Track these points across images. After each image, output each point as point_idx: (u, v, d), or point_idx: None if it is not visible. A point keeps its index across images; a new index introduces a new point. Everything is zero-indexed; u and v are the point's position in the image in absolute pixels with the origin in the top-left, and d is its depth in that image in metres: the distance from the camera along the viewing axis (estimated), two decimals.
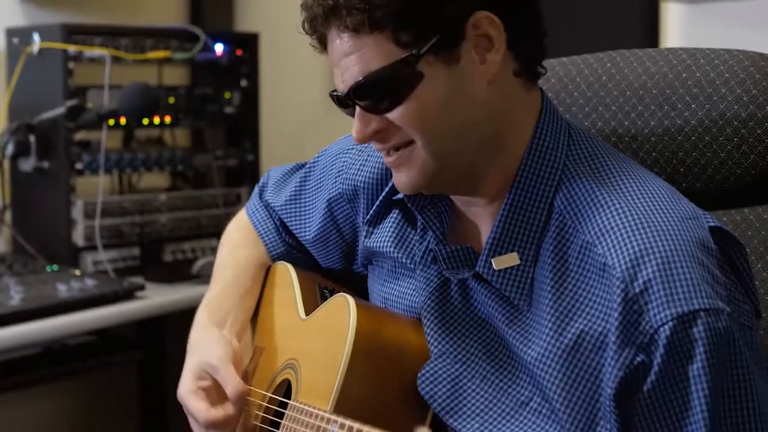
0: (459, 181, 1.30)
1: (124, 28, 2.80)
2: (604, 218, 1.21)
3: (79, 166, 2.64)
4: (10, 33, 2.74)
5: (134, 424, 3.14)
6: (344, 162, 1.53)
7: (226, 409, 1.41)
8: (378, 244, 1.45)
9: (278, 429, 1.39)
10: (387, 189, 1.45)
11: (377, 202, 1.46)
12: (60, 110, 2.58)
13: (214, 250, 2.84)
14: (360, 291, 1.51)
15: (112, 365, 2.96)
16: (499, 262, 1.27)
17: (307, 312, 1.46)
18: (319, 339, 1.40)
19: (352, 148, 1.53)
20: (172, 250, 2.85)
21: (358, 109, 1.25)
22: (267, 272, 1.62)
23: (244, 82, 3.02)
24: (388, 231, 1.44)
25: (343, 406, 1.26)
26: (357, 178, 1.50)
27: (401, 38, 1.20)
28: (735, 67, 1.41)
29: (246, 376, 1.49)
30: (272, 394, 1.45)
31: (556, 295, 1.22)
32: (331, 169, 1.55)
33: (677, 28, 2.56)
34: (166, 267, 2.80)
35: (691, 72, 1.44)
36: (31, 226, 2.72)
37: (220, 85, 2.98)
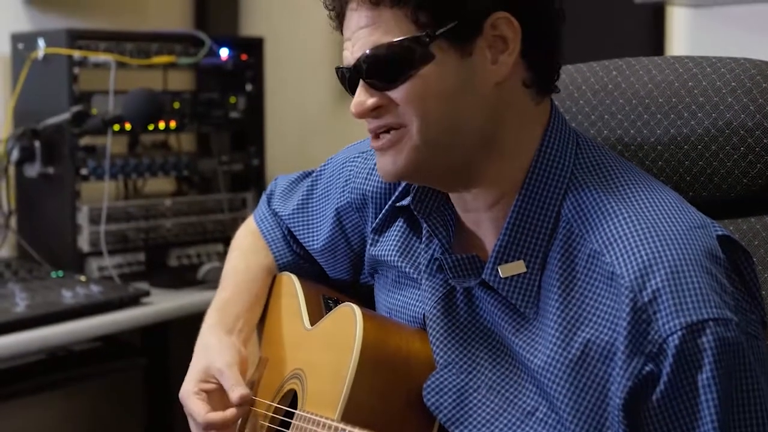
0: (445, 177, 1.29)
1: (129, 34, 2.80)
2: (612, 227, 1.21)
3: (84, 171, 2.64)
4: (15, 38, 2.74)
5: (140, 430, 3.13)
6: (351, 171, 1.53)
7: (225, 413, 1.41)
8: (383, 253, 1.45)
9: None
10: (394, 196, 1.45)
11: (383, 210, 1.46)
12: (65, 116, 2.58)
13: (219, 255, 2.85)
14: (366, 302, 1.50)
15: (117, 371, 2.96)
16: (505, 270, 1.26)
17: (312, 322, 1.46)
18: (325, 349, 1.39)
19: (358, 156, 1.53)
20: (178, 256, 2.85)
21: (361, 81, 1.25)
22: (272, 282, 1.62)
23: (249, 87, 3.02)
24: (394, 239, 1.44)
25: (350, 416, 1.26)
26: (365, 186, 1.49)
27: (420, 17, 1.21)
28: (741, 75, 1.41)
29: (251, 386, 1.49)
30: (278, 404, 1.45)
31: (563, 303, 1.22)
32: (338, 178, 1.55)
33: (683, 34, 2.56)
34: (171, 272, 2.79)
35: (698, 80, 1.44)
36: (36, 232, 2.71)
37: (225, 90, 2.98)
